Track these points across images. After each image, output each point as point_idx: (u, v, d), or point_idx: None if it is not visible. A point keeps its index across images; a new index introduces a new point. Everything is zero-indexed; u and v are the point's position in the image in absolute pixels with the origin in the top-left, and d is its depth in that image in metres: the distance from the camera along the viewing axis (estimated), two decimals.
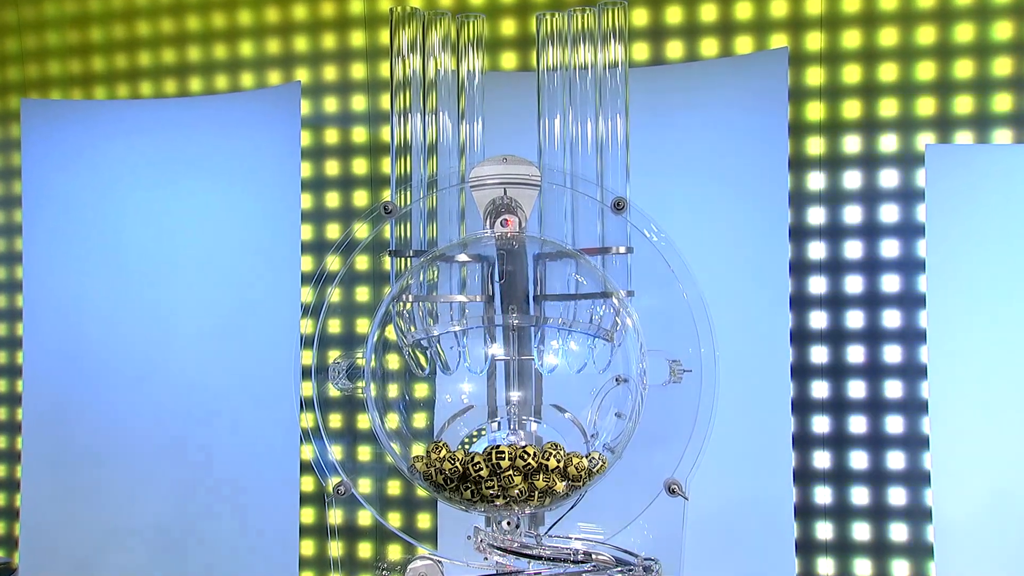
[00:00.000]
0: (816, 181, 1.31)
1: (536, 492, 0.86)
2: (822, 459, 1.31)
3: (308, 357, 1.01)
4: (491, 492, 0.85)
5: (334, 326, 1.42)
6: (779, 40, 1.32)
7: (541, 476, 0.86)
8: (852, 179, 1.31)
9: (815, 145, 1.32)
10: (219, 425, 1.42)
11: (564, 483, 0.87)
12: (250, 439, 1.41)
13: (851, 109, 1.31)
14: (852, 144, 1.31)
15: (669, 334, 0.96)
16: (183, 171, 1.45)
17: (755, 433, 1.23)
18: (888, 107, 1.30)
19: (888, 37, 1.29)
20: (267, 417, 1.39)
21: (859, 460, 1.31)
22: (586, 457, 0.88)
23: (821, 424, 1.31)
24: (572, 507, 0.93)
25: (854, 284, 1.31)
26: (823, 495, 1.32)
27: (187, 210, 1.45)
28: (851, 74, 1.31)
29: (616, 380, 0.93)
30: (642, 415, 0.91)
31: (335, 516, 0.99)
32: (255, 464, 1.40)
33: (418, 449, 0.92)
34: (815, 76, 1.31)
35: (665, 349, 0.93)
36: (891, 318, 1.30)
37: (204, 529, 1.42)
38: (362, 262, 1.37)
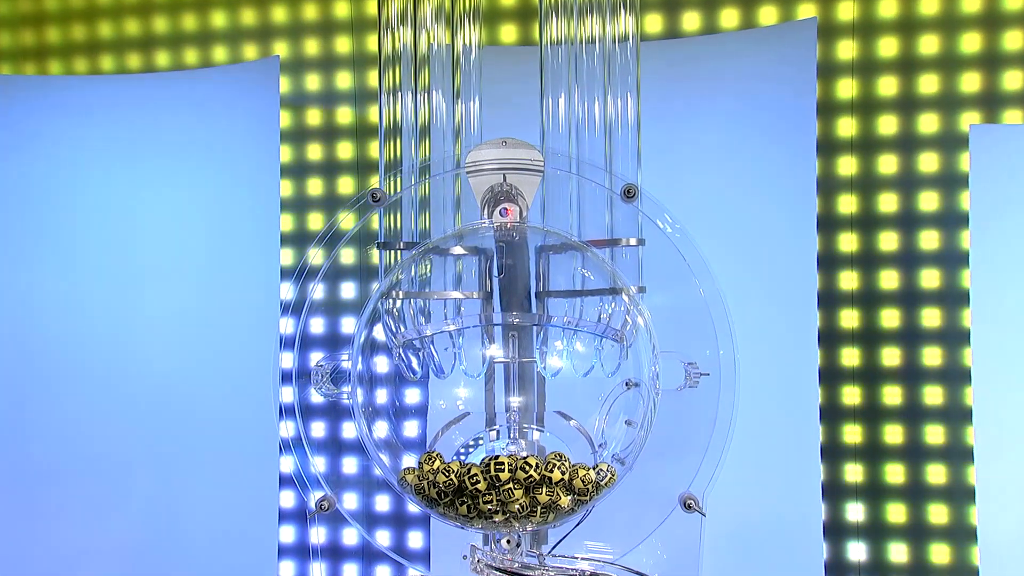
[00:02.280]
0: (847, 166, 1.33)
1: (538, 507, 0.87)
2: (854, 472, 1.33)
3: (288, 360, 1.02)
4: (489, 507, 0.86)
5: (317, 326, 1.44)
6: (807, 10, 1.33)
7: (544, 489, 0.87)
8: (887, 163, 1.32)
9: (846, 126, 1.33)
10: (190, 435, 1.44)
11: (569, 497, 0.88)
12: (224, 450, 1.42)
13: (887, 86, 1.32)
14: (888, 125, 1.32)
15: (684, 334, 0.97)
16: (148, 156, 1.46)
17: (780, 443, 1.25)
18: (928, 83, 1.31)
19: (929, 5, 1.30)
20: (243, 426, 1.40)
21: (895, 474, 1.32)
22: (593, 469, 0.89)
23: (853, 434, 1.33)
24: (578, 524, 0.94)
25: (889, 279, 1.32)
26: (855, 512, 1.33)
27: (153, 199, 1.46)
28: (887, 47, 1.32)
29: (626, 384, 0.94)
30: (655, 423, 0.92)
31: (318, 534, 1.00)
32: (229, 477, 1.42)
33: (409, 460, 0.93)
34: (847, 49, 1.33)
35: (680, 350, 0.94)
36: (931, 317, 1.31)
37: (175, 549, 1.43)
38: (347, 255, 1.39)
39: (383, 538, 1.41)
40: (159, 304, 1.45)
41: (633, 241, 0.96)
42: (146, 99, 1.48)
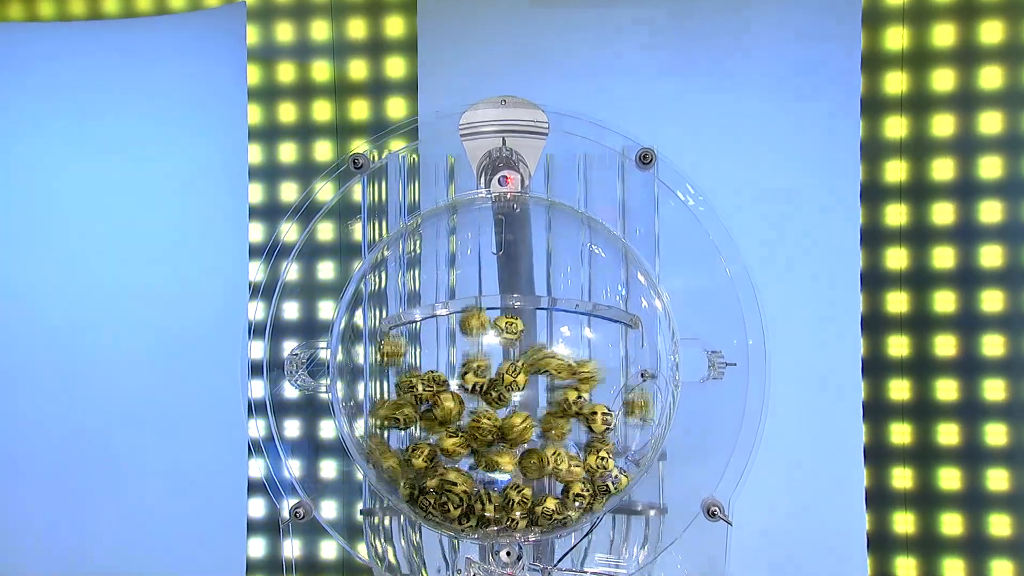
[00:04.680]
0: (895, 127, 1.34)
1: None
2: (902, 478, 1.34)
3: (258, 349, 1.03)
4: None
5: (290, 310, 1.45)
6: None
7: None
8: (942, 124, 1.33)
9: (895, 82, 1.33)
10: (146, 435, 1.45)
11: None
12: (184, 451, 1.44)
13: (943, 35, 1.32)
14: (943, 80, 1.33)
15: (708, 319, 0.98)
16: (93, 119, 1.47)
17: (816, 444, 1.26)
18: (991, 32, 1.31)
19: None
20: (206, 424, 1.42)
21: (950, 479, 1.33)
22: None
23: (901, 433, 1.34)
24: (588, 534, 0.96)
25: (943, 256, 1.33)
26: (904, 523, 1.34)
27: (100, 168, 1.47)
28: None
29: (642, 376, 0.95)
30: (674, 419, 0.94)
31: (292, 547, 1.01)
32: (190, 483, 1.44)
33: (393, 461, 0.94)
34: None
35: (703, 338, 0.96)
36: (992, 300, 1.32)
37: (128, 567, 1.45)
38: (325, 230, 1.40)
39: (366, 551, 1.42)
40: (109, 287, 1.47)
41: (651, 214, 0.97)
42: (91, 51, 1.48)
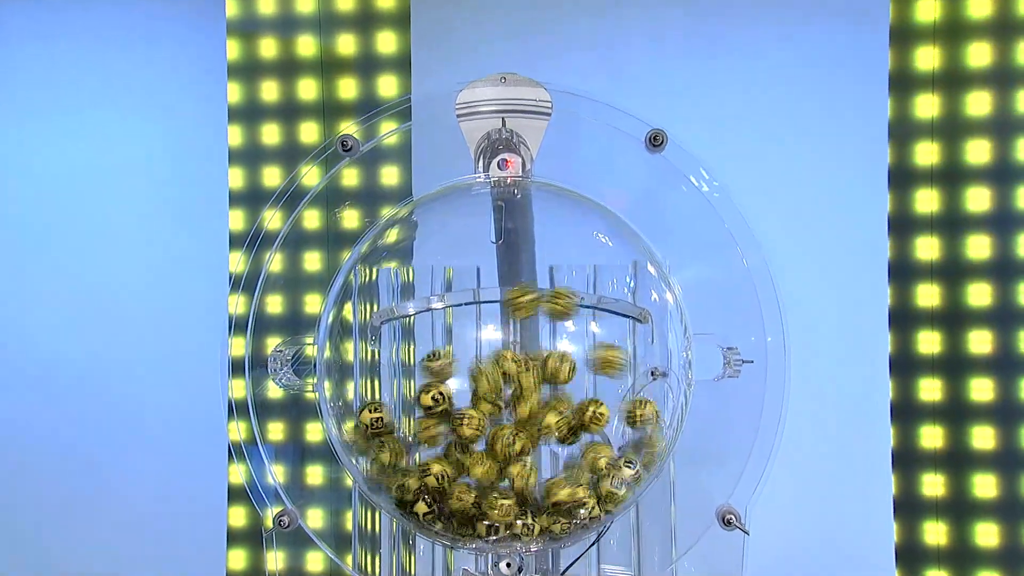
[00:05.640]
0: (927, 105, 1.34)
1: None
2: (933, 485, 1.35)
3: (240, 346, 1.04)
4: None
5: (274, 304, 1.45)
6: None
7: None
8: (978, 102, 1.34)
9: (926, 56, 1.34)
10: (116, 438, 1.47)
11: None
12: (161, 455, 1.45)
13: (978, 5, 1.33)
14: (979, 54, 1.33)
15: (723, 314, 0.99)
16: (66, 97, 1.49)
17: (840, 448, 1.27)
18: None
19: None
20: (183, 426, 1.43)
21: (985, 486, 1.34)
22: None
23: (932, 437, 1.35)
24: (594, 543, 0.96)
25: (978, 246, 1.34)
26: (935, 533, 1.35)
27: (71, 150, 1.49)
28: None
29: (652, 374, 0.95)
30: (686, 421, 0.95)
31: (275, 560, 1.02)
32: (166, 490, 1.45)
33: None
34: None
35: (717, 333, 0.96)
36: None
37: None
38: (312, 218, 1.40)
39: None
40: (82, 277, 1.48)
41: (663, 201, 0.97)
42: (64, 27, 1.49)
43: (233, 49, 1.47)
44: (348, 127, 1.09)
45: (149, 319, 1.46)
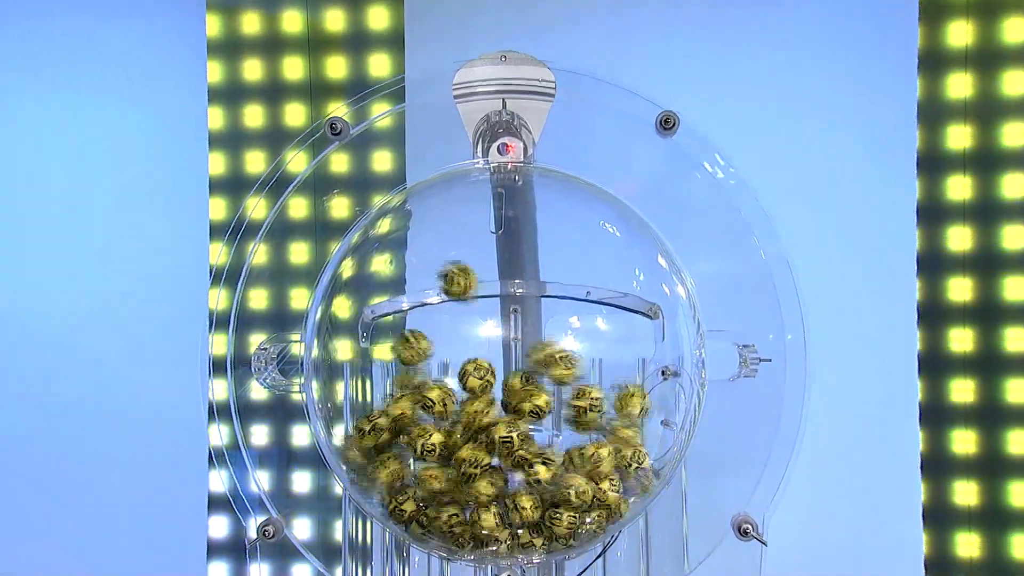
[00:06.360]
0: (959, 85, 1.35)
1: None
2: (966, 493, 1.36)
3: (221, 343, 1.04)
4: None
5: (258, 298, 1.46)
6: None
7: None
8: (1014, 81, 1.34)
9: (959, 32, 1.34)
10: (91, 442, 1.48)
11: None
12: (136, 461, 1.46)
13: None
14: (1016, 30, 1.34)
15: (739, 309, 1.00)
16: (30, 78, 1.49)
17: (865, 453, 1.28)
18: None
19: None
20: (161, 430, 1.44)
21: (1022, 495, 1.35)
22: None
23: (964, 441, 1.36)
24: (600, 555, 0.97)
25: (1014, 236, 1.34)
26: (968, 545, 1.36)
27: (39, 135, 1.49)
28: None
29: (662, 374, 0.95)
30: (699, 424, 0.95)
31: (259, 573, 1.02)
32: (142, 498, 1.46)
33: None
34: None
35: (733, 330, 0.97)
36: None
37: None
38: (298, 207, 1.41)
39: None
40: (47, 273, 1.49)
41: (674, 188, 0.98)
42: (28, 5, 1.50)
43: (213, 25, 1.47)
44: (337, 109, 1.10)
45: (122, 315, 1.47)
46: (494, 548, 0.89)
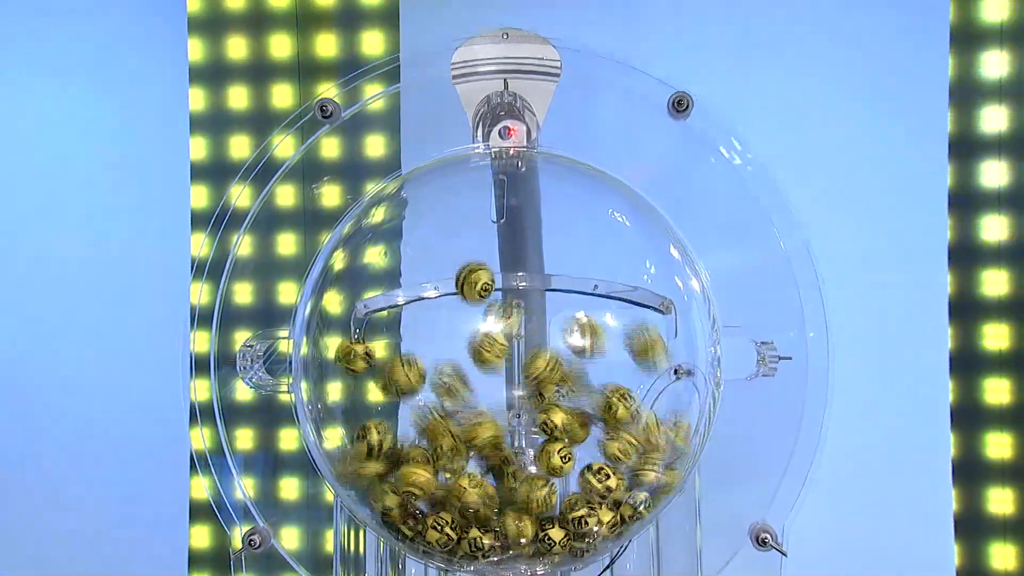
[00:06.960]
0: (993, 63, 1.35)
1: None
2: (1001, 501, 1.36)
3: (204, 340, 1.05)
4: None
5: (243, 293, 1.46)
6: None
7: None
8: None
9: (993, 6, 1.34)
10: (66, 446, 1.48)
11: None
12: (115, 467, 1.46)
13: None
14: None
15: (757, 304, 1.00)
16: (4, 57, 1.50)
17: (892, 457, 1.28)
18: None
19: None
20: (138, 434, 1.44)
21: None
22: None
23: (999, 446, 1.35)
24: (608, 566, 0.97)
25: None
26: (1003, 556, 1.36)
27: (8, 117, 1.50)
28: None
29: (676, 372, 0.96)
30: (715, 426, 0.96)
31: None
32: (119, 506, 1.46)
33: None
34: None
35: (751, 326, 0.97)
36: None
37: None
38: (286, 195, 1.41)
39: None
40: (18, 265, 1.49)
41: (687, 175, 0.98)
42: None
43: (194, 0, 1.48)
44: (327, 90, 1.10)
45: (98, 311, 1.47)
46: (500, 558, 0.90)
